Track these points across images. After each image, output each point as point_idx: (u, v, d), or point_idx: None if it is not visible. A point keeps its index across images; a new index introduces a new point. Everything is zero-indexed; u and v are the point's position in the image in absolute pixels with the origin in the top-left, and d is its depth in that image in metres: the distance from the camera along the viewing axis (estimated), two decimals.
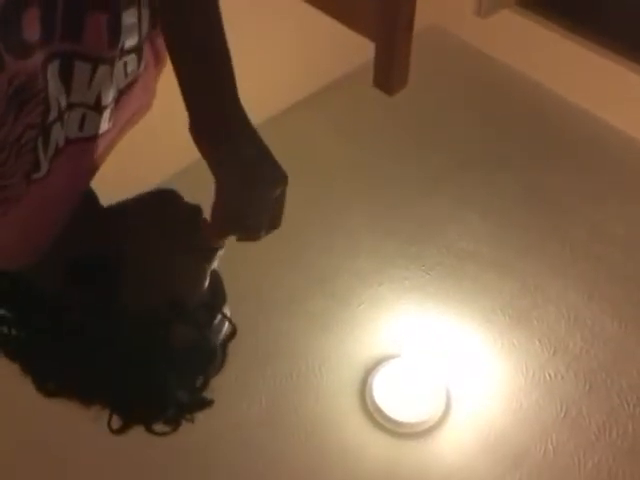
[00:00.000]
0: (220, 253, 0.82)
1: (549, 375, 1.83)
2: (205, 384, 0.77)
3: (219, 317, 0.80)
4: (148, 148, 1.73)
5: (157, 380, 0.72)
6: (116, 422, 0.73)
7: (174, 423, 0.75)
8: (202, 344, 0.76)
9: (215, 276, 0.82)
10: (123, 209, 0.75)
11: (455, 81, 2.50)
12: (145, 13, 0.66)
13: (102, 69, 0.61)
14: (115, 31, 0.61)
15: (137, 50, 0.66)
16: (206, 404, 0.77)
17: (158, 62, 0.75)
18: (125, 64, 0.66)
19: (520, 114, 2.40)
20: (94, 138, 0.66)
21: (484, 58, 2.51)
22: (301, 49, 2.29)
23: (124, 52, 0.65)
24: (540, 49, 2.38)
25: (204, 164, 0.75)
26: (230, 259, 2.27)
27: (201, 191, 0.80)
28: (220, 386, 0.80)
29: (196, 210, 0.79)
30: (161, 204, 0.76)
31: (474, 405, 1.80)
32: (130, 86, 0.69)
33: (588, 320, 1.92)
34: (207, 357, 0.77)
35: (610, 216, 2.13)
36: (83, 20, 0.58)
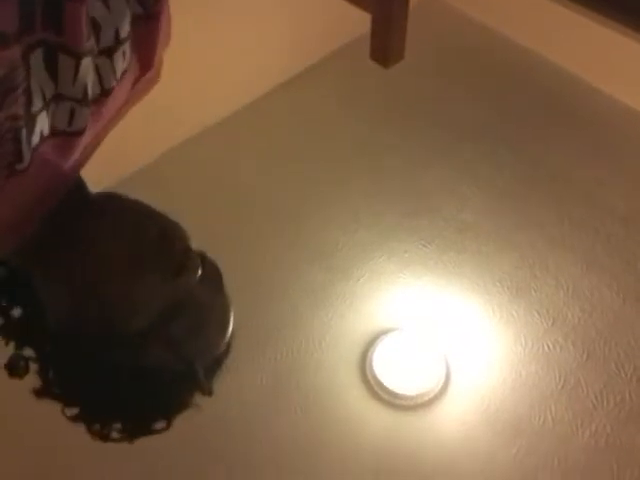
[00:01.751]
0: (193, 278, 0.73)
1: (548, 346, 1.85)
2: (180, 407, 0.75)
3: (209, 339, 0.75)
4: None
5: (125, 399, 0.71)
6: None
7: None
8: (176, 365, 0.72)
9: (201, 302, 0.74)
10: (106, 208, 0.73)
11: (453, 53, 2.48)
12: None
13: (86, 62, 0.60)
14: (94, 21, 0.59)
15: (130, 37, 0.65)
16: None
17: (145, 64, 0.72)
18: (124, 53, 0.64)
19: (519, 86, 2.38)
20: (81, 132, 0.64)
21: (482, 29, 2.48)
22: (298, 22, 2.27)
23: (120, 41, 0.63)
24: (539, 19, 2.35)
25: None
26: (229, 235, 2.29)
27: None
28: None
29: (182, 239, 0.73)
30: (147, 219, 0.72)
31: (473, 377, 1.82)
32: (122, 77, 0.67)
33: (586, 291, 1.93)
34: (181, 380, 0.73)
35: (609, 188, 2.13)
36: (62, 10, 0.56)
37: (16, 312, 0.72)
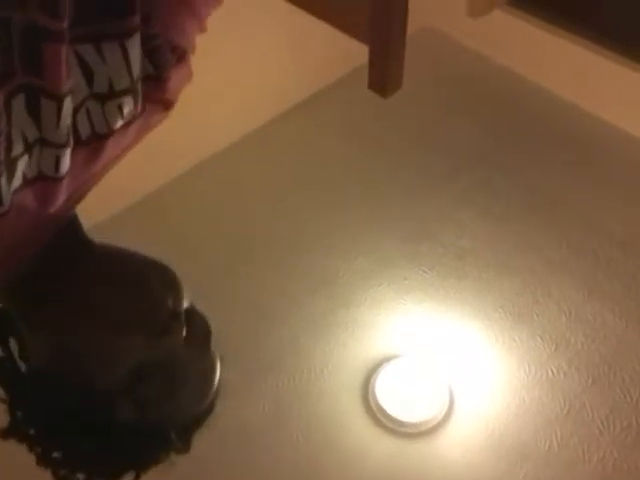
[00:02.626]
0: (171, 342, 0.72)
1: (551, 371, 1.84)
2: (150, 464, 0.74)
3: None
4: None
5: (91, 451, 0.70)
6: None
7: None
8: (145, 425, 0.71)
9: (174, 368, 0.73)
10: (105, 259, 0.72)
11: (450, 82, 2.51)
12: (134, 51, 0.62)
13: (68, 102, 0.59)
14: (86, 65, 0.59)
15: (132, 92, 0.64)
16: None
17: (163, 108, 0.72)
18: (120, 106, 0.63)
19: (515, 113, 2.41)
20: (63, 177, 0.63)
21: (478, 58, 2.52)
22: (297, 52, 2.30)
23: (116, 93, 0.62)
24: (533, 48, 2.39)
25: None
26: (229, 264, 2.29)
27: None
28: (223, 391, 0.80)
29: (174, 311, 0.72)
30: (146, 276, 0.72)
31: (477, 403, 1.81)
32: (126, 126, 0.66)
33: (589, 315, 1.93)
34: (151, 439, 0.73)
35: (607, 213, 2.14)
36: (41, 52, 0.56)
37: None
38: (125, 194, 2.04)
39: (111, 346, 0.68)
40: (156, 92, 0.69)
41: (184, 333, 0.71)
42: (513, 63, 2.44)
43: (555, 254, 2.05)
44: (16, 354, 0.71)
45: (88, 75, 0.61)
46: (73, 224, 0.74)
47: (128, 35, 0.62)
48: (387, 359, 1.86)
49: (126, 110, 0.65)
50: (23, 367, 0.71)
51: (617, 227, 2.10)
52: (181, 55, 0.71)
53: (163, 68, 0.68)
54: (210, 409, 0.77)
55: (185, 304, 0.73)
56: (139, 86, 0.65)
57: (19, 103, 0.56)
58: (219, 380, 0.77)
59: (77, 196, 0.69)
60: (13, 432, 0.71)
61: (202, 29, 0.75)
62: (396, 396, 1.80)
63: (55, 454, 0.71)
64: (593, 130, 2.33)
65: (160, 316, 0.70)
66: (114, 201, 2.00)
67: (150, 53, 0.66)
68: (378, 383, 1.81)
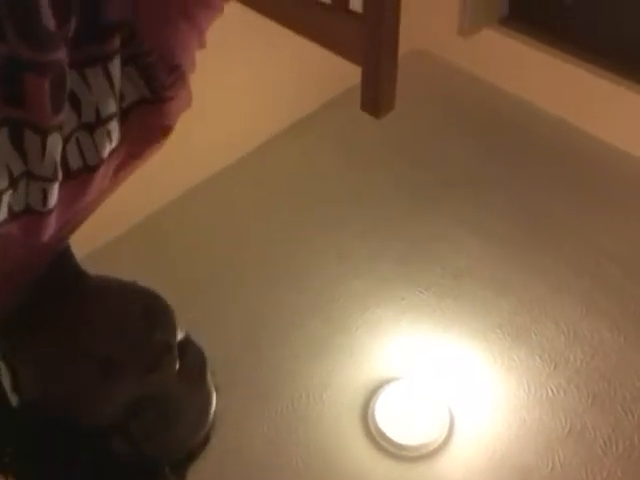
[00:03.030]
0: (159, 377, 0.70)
1: (551, 390, 1.83)
2: None
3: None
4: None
5: None
6: None
7: None
8: (137, 461, 0.70)
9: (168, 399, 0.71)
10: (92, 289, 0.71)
11: (442, 101, 2.53)
12: (116, 74, 0.61)
13: (53, 138, 0.57)
14: (59, 96, 0.57)
15: (117, 115, 0.62)
16: None
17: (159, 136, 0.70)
18: (108, 133, 0.62)
19: (510, 132, 2.42)
20: (51, 211, 0.61)
21: (469, 78, 2.54)
22: (291, 73, 2.31)
23: (102, 120, 0.61)
24: (524, 66, 2.41)
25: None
26: (225, 288, 2.28)
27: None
28: (221, 415, 0.79)
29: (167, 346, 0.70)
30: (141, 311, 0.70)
31: (477, 425, 1.79)
32: (110, 156, 0.64)
33: (587, 333, 1.92)
34: (143, 475, 0.71)
35: (602, 230, 2.14)
36: (23, 85, 0.54)
37: None
38: (119, 220, 2.03)
39: (102, 383, 0.67)
40: (153, 117, 0.67)
41: (177, 366, 0.70)
42: (504, 81, 2.46)
43: (551, 272, 2.05)
44: (8, 386, 0.70)
45: (76, 105, 0.60)
46: (65, 255, 0.73)
47: (110, 58, 0.61)
48: (386, 382, 1.85)
49: (114, 135, 0.63)
50: (15, 400, 0.69)
51: (613, 244, 2.10)
52: (180, 75, 0.68)
53: (160, 89, 0.66)
54: (205, 442, 0.75)
55: (180, 335, 0.72)
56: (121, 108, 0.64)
57: (2, 136, 0.55)
58: (215, 411, 0.75)
59: (70, 227, 0.68)
60: (1, 466, 0.69)
61: (201, 43, 0.72)
62: (396, 419, 1.78)
63: None
64: (586, 147, 2.35)
65: (153, 351, 0.68)
66: (108, 227, 1.99)
67: (144, 71, 0.64)
68: (378, 406, 1.80)
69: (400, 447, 1.75)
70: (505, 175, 2.30)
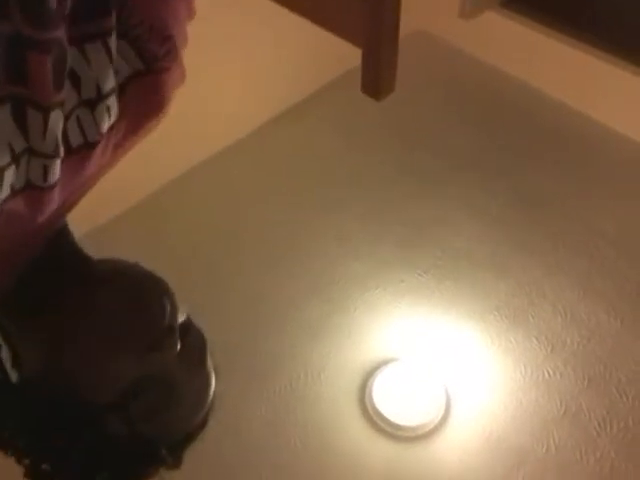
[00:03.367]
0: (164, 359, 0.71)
1: (547, 372, 1.84)
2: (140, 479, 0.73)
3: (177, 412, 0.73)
4: None
5: (80, 465, 0.69)
6: None
7: None
8: (135, 441, 0.70)
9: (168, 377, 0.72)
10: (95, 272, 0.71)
11: (443, 83, 2.52)
12: (114, 48, 0.61)
13: (55, 115, 0.58)
14: (60, 73, 0.57)
15: (115, 90, 0.63)
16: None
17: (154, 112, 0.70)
18: (108, 108, 0.62)
19: (510, 114, 2.41)
20: (54, 186, 0.62)
21: (470, 60, 2.53)
22: (292, 55, 2.30)
23: (102, 96, 0.61)
24: (526, 49, 2.40)
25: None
26: (225, 268, 2.28)
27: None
28: (220, 396, 0.79)
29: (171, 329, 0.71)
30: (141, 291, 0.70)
31: (474, 406, 1.81)
32: (110, 131, 0.65)
33: (584, 316, 1.93)
34: (140, 455, 0.72)
35: (601, 212, 2.14)
36: (25, 62, 0.55)
37: None
38: (118, 200, 2.03)
39: (103, 362, 0.68)
40: (149, 90, 0.67)
41: (178, 348, 0.70)
42: (505, 64, 2.45)
43: (550, 255, 2.06)
44: (8, 363, 0.70)
45: (75, 82, 0.60)
46: (63, 234, 0.73)
47: (109, 33, 0.61)
48: (384, 362, 1.86)
49: (113, 111, 0.64)
50: (15, 377, 0.70)
51: (611, 227, 2.10)
52: (172, 46, 0.68)
53: (153, 60, 0.66)
54: (203, 424, 0.76)
55: (181, 317, 0.72)
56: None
57: (5, 113, 0.56)
58: (214, 394, 0.76)
59: (68, 204, 0.68)
60: (2, 443, 0.70)
61: (191, 13, 0.72)
62: (393, 400, 1.79)
63: (44, 466, 0.70)
64: (586, 130, 2.34)
65: (153, 331, 0.69)
66: (107, 207, 1.99)
67: (135, 43, 0.64)
68: (375, 387, 1.81)
69: (397, 427, 1.77)
70: (505, 158, 2.30)
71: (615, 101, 2.28)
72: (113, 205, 2.04)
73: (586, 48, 2.26)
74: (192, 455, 0.77)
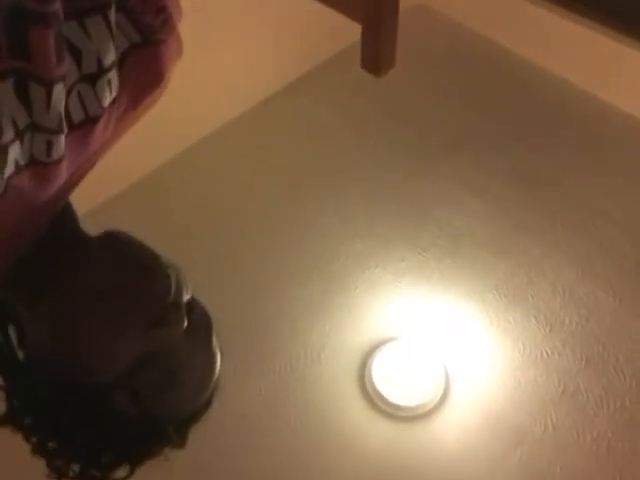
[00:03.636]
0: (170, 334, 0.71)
1: (546, 352, 1.84)
2: (146, 458, 0.73)
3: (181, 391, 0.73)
4: None
5: (85, 442, 0.70)
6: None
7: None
8: (141, 419, 0.70)
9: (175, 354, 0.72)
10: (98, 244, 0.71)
11: (443, 59, 2.49)
12: (119, 20, 0.61)
13: (58, 89, 0.57)
14: (61, 46, 0.57)
15: (116, 64, 0.63)
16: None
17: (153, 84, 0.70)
18: (109, 82, 0.62)
19: (510, 91, 2.39)
20: (60, 161, 0.62)
21: (471, 35, 2.50)
22: (288, 32, 2.27)
23: (104, 69, 0.61)
24: (527, 23, 2.37)
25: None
26: (225, 247, 2.27)
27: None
28: (220, 376, 0.79)
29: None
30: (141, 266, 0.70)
31: (473, 385, 1.81)
32: (111, 105, 0.64)
33: (583, 295, 1.93)
34: (146, 433, 0.72)
35: (600, 191, 2.13)
36: (27, 36, 0.54)
37: None
38: (119, 177, 2.02)
39: (106, 340, 0.67)
40: (147, 63, 0.67)
41: (184, 325, 0.70)
42: (506, 39, 2.42)
43: (549, 234, 2.05)
44: (15, 342, 0.70)
45: (76, 56, 0.59)
46: (66, 212, 0.72)
47: (109, 6, 0.60)
48: (383, 342, 1.86)
49: (113, 84, 0.63)
50: (21, 355, 0.70)
51: (611, 206, 2.09)
52: (167, 17, 0.68)
53: (149, 32, 0.66)
54: (209, 403, 0.76)
55: (187, 296, 0.72)
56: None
57: (7, 88, 0.55)
58: (219, 374, 0.76)
59: (73, 181, 0.68)
60: (9, 420, 0.70)
61: None
62: (392, 379, 1.80)
63: (51, 444, 0.71)
64: (585, 107, 2.32)
65: (159, 307, 0.68)
66: (107, 186, 1.98)
67: (131, 16, 0.64)
68: (374, 366, 1.81)
69: (396, 407, 1.77)
70: (506, 136, 2.28)
71: (617, 78, 2.26)
72: (113, 183, 2.03)
73: (590, 24, 2.23)
74: (194, 434, 0.77)
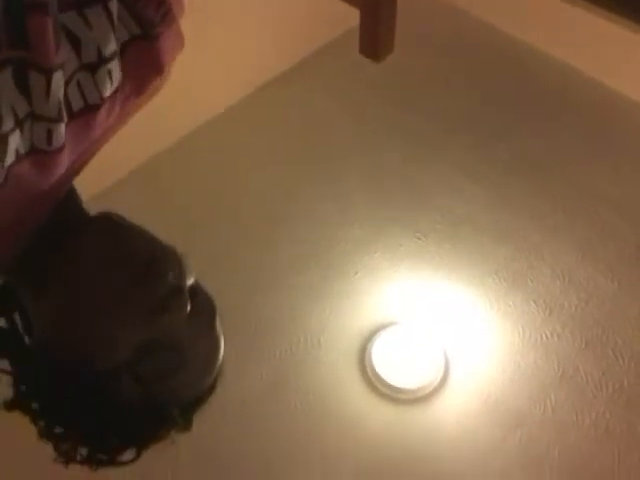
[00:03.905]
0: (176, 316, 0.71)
1: (545, 335, 1.85)
2: (151, 442, 0.74)
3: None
4: None
5: (91, 427, 0.70)
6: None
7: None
8: (146, 404, 0.71)
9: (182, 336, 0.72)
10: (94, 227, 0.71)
11: (443, 44, 2.48)
12: (115, 11, 0.61)
13: (58, 76, 0.58)
14: (58, 34, 0.57)
15: (117, 55, 0.63)
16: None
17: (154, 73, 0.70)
18: (109, 72, 0.63)
19: (510, 76, 2.38)
20: (61, 149, 0.62)
21: (470, 20, 2.48)
22: (284, 18, 2.26)
23: (104, 59, 0.61)
24: (528, 8, 2.35)
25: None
26: (224, 233, 2.28)
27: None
28: (223, 360, 0.80)
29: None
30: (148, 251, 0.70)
31: (472, 369, 1.82)
32: (113, 95, 0.65)
33: (582, 279, 1.94)
34: (152, 417, 0.72)
35: (601, 176, 2.13)
36: (26, 24, 0.54)
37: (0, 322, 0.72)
38: (118, 164, 2.02)
39: (112, 324, 0.68)
40: (147, 55, 0.67)
41: (188, 310, 0.71)
42: (508, 24, 2.41)
43: (549, 218, 2.05)
44: (20, 328, 0.71)
45: (76, 45, 0.60)
46: (71, 197, 0.73)
47: None
48: (383, 326, 1.87)
49: (114, 74, 0.64)
50: (27, 341, 0.71)
51: (611, 190, 2.09)
52: (168, 10, 0.68)
53: (149, 25, 0.66)
54: (213, 387, 0.77)
55: (190, 281, 0.72)
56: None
57: (6, 77, 0.55)
58: (222, 358, 0.77)
59: (75, 169, 0.68)
60: (17, 405, 0.71)
61: None
62: (392, 363, 1.81)
63: (57, 429, 0.71)
64: (590, 94, 2.31)
65: (162, 292, 0.69)
66: (106, 173, 1.98)
67: (132, 8, 0.64)
68: (374, 350, 1.82)
69: (396, 390, 1.79)
70: (506, 122, 2.27)
71: (619, 63, 2.25)
72: (112, 171, 2.03)
73: (593, 9, 2.22)
74: (195, 424, 0.78)
